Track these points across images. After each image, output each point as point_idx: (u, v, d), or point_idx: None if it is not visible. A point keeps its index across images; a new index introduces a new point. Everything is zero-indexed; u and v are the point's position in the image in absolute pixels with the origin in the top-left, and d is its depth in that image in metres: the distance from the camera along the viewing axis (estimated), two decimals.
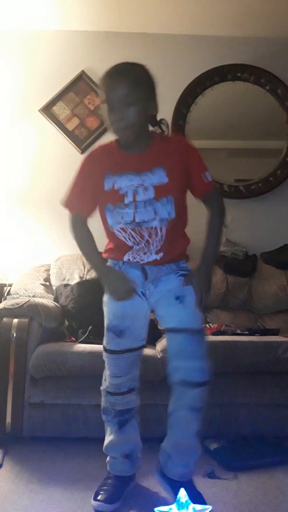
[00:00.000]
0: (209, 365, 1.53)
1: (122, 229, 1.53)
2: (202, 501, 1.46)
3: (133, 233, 1.52)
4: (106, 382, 1.64)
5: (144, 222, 1.50)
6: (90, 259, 1.68)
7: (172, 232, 1.53)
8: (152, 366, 2.06)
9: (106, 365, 1.63)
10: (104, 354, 1.63)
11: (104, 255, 1.63)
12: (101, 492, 1.57)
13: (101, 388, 1.66)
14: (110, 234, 1.59)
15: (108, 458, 1.68)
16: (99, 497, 1.55)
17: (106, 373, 1.63)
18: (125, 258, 1.56)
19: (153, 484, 1.67)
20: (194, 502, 1.39)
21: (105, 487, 1.60)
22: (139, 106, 1.46)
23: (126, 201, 1.50)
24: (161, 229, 1.51)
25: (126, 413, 1.62)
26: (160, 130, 1.56)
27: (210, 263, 1.63)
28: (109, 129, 1.52)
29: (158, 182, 1.49)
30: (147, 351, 2.11)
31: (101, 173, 1.53)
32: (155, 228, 1.51)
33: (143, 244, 1.53)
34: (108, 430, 1.67)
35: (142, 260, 1.54)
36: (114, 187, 1.52)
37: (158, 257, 1.53)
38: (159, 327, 2.11)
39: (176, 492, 1.42)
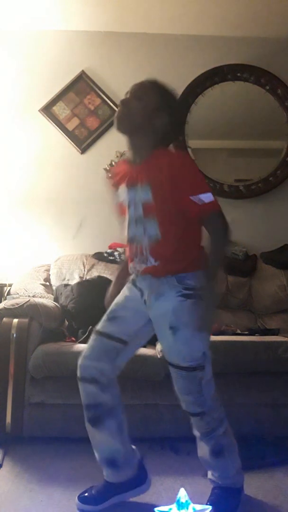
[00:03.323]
0: (204, 398, 1.50)
1: (126, 240, 1.59)
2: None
3: (131, 245, 1.58)
4: (78, 363, 1.60)
5: (136, 238, 1.54)
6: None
7: (166, 247, 1.50)
8: (152, 366, 2.06)
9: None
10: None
11: None
12: (85, 494, 1.58)
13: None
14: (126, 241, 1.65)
15: None
16: (81, 495, 1.58)
17: (81, 354, 1.61)
18: (131, 266, 1.60)
19: (153, 483, 1.66)
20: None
21: (91, 489, 1.60)
22: (141, 104, 1.49)
23: (127, 214, 1.56)
24: (146, 248, 1.52)
25: (93, 408, 1.56)
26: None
27: (210, 286, 1.52)
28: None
29: (145, 201, 1.50)
30: (147, 351, 2.11)
31: (115, 187, 1.62)
32: (145, 243, 1.52)
33: (138, 257, 1.55)
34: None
35: (141, 268, 1.55)
36: (119, 199, 1.60)
37: (157, 263, 1.52)
38: None
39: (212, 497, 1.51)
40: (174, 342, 1.49)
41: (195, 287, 1.48)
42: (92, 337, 1.61)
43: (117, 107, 1.53)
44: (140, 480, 1.62)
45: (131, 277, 1.64)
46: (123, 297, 1.62)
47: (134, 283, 1.61)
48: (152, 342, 2.20)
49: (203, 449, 1.58)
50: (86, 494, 1.58)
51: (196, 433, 1.58)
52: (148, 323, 1.58)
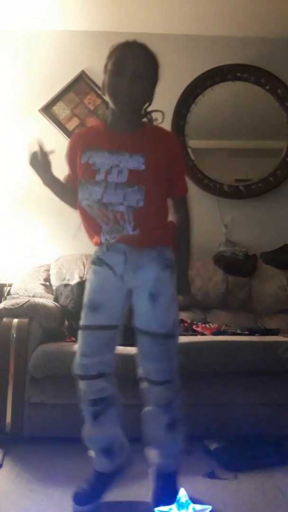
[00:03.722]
0: (172, 365, 1.53)
1: (89, 205, 1.50)
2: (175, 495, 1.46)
3: (99, 213, 1.49)
4: (74, 363, 1.57)
5: (110, 205, 1.46)
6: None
7: (143, 217, 1.48)
8: None
9: (77, 346, 1.57)
10: (78, 333, 1.58)
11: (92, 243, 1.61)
12: (79, 492, 1.56)
13: (73, 368, 1.60)
14: (81, 213, 1.57)
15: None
16: (75, 497, 1.55)
17: (76, 354, 1.57)
18: (102, 238, 1.52)
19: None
20: (169, 497, 1.43)
21: (84, 486, 1.58)
22: (147, 83, 1.50)
23: (97, 179, 1.48)
24: (127, 214, 1.46)
25: (100, 403, 1.55)
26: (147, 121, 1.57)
27: (184, 267, 1.63)
28: (109, 95, 1.49)
29: (133, 167, 1.46)
30: None
31: (81, 148, 1.54)
32: (122, 212, 1.46)
33: (110, 224, 1.49)
34: (85, 420, 1.61)
35: (117, 236, 1.49)
36: (88, 161, 1.51)
37: (135, 232, 1.48)
38: None
39: (158, 484, 1.50)
40: (153, 309, 1.50)
41: (172, 259, 1.55)
42: (83, 333, 1.56)
43: (112, 77, 1.47)
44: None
45: (94, 256, 1.59)
46: (95, 283, 1.56)
47: (99, 261, 1.56)
48: None
49: (157, 423, 1.55)
50: (80, 492, 1.57)
51: (150, 408, 1.57)
52: (128, 296, 1.56)
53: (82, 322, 1.57)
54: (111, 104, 1.51)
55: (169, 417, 1.55)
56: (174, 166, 1.54)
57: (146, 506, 1.55)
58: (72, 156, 1.59)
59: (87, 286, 1.59)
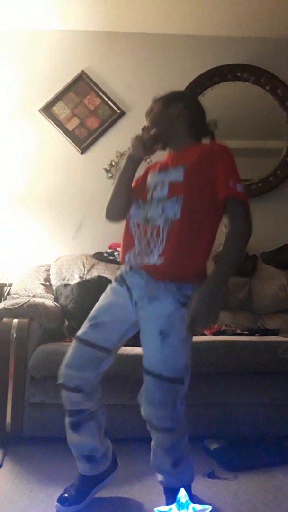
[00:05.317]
0: (178, 413, 1.45)
1: (136, 223, 1.54)
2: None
3: (142, 229, 1.50)
4: (59, 370, 1.54)
5: (152, 219, 1.48)
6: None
7: (177, 237, 1.42)
8: None
9: (66, 354, 1.55)
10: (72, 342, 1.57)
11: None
12: (64, 495, 1.56)
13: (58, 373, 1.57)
14: (125, 228, 1.58)
15: None
16: (61, 500, 1.54)
17: (63, 360, 1.55)
18: (126, 257, 1.53)
19: (154, 483, 1.66)
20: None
21: (69, 489, 1.58)
22: (160, 129, 1.56)
23: (147, 197, 1.53)
24: (163, 229, 1.44)
25: (76, 414, 1.53)
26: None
27: (216, 285, 1.40)
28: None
29: (174, 180, 1.48)
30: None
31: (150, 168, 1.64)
32: (158, 227, 1.45)
33: (144, 244, 1.48)
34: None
35: (140, 262, 1.48)
36: (146, 182, 1.58)
37: (158, 262, 1.43)
38: None
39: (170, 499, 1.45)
40: (161, 349, 1.42)
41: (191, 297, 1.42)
42: (75, 343, 1.53)
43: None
44: (113, 467, 1.65)
45: (118, 273, 1.57)
46: (107, 301, 1.55)
47: (121, 280, 1.54)
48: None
49: (162, 462, 1.52)
50: (66, 495, 1.56)
51: (153, 445, 1.53)
52: (131, 328, 1.53)
53: (79, 332, 1.55)
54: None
55: (174, 457, 1.50)
56: (219, 169, 1.45)
57: (147, 507, 1.55)
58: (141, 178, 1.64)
59: (101, 298, 1.58)
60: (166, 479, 1.55)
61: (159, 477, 1.57)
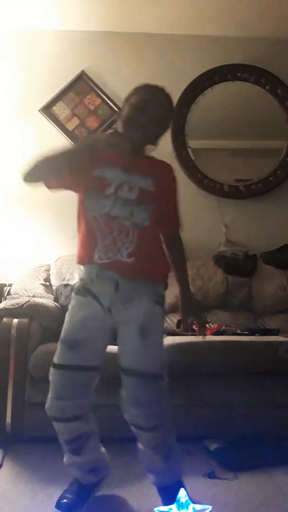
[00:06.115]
0: (163, 409, 1.46)
1: (95, 217, 1.47)
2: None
3: (105, 225, 1.45)
4: (47, 404, 1.47)
5: (117, 218, 1.45)
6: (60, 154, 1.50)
7: (146, 240, 1.47)
8: None
9: (50, 386, 1.47)
10: (50, 371, 1.47)
11: (77, 261, 1.53)
12: (64, 500, 1.51)
13: (46, 407, 1.49)
14: (82, 224, 1.51)
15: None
16: (61, 506, 1.50)
17: (49, 395, 1.47)
18: (96, 255, 1.45)
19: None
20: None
21: (67, 495, 1.53)
22: (160, 130, 1.57)
23: (107, 192, 1.47)
24: (133, 231, 1.45)
25: (77, 440, 1.49)
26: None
27: (189, 287, 1.64)
28: (125, 125, 1.53)
29: (144, 187, 1.49)
30: None
31: (98, 159, 1.51)
32: (127, 228, 1.45)
33: (108, 241, 1.44)
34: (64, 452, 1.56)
35: (111, 258, 1.43)
36: (100, 175, 1.50)
37: (129, 260, 1.43)
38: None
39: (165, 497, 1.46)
40: (143, 347, 1.43)
41: (163, 296, 1.52)
42: (58, 372, 1.45)
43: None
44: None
45: (78, 284, 1.52)
46: (77, 318, 1.48)
47: (84, 291, 1.48)
48: None
49: (151, 459, 1.52)
50: (65, 501, 1.51)
51: (142, 448, 1.51)
52: (109, 336, 1.50)
53: (56, 360, 1.46)
54: (122, 132, 1.54)
55: (165, 451, 1.50)
56: (172, 200, 1.60)
57: (147, 507, 1.55)
58: (89, 165, 1.53)
59: (67, 318, 1.50)
60: (158, 478, 1.54)
61: (151, 478, 1.56)
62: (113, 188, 1.47)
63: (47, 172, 1.50)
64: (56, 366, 1.46)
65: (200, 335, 1.65)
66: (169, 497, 1.46)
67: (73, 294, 1.53)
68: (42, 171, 1.48)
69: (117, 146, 1.49)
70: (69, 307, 1.52)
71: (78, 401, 1.46)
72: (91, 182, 1.50)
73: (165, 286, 1.55)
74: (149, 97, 1.52)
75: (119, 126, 1.56)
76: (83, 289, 1.49)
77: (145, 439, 1.50)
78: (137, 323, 1.44)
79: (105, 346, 1.51)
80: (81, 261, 1.52)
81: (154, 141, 1.58)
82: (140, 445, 1.53)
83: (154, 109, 1.51)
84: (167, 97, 1.57)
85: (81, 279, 1.54)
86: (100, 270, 1.46)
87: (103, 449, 1.62)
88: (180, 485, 1.50)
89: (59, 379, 1.45)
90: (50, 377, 1.48)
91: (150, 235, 1.49)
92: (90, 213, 1.48)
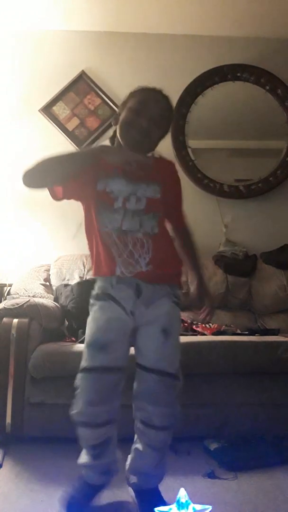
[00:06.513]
0: (174, 410, 1.47)
1: (107, 233, 1.48)
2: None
3: (117, 240, 1.46)
4: (77, 410, 1.46)
5: (130, 232, 1.46)
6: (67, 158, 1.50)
7: (159, 247, 1.49)
8: None
9: (79, 392, 1.46)
10: (79, 377, 1.46)
11: (95, 274, 1.54)
12: (69, 499, 1.50)
13: (71, 412, 1.48)
14: (95, 239, 1.52)
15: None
16: (66, 505, 1.49)
17: (79, 401, 1.45)
18: (117, 270, 1.46)
19: None
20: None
21: (73, 493, 1.53)
22: (159, 133, 1.55)
23: (115, 206, 1.47)
24: (147, 241, 1.47)
25: (103, 445, 1.50)
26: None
27: (202, 271, 1.70)
28: (122, 129, 1.52)
29: (151, 196, 1.49)
30: None
31: (101, 170, 1.49)
32: (141, 239, 1.47)
33: (125, 255, 1.46)
34: (84, 452, 1.56)
35: (133, 271, 1.46)
36: (106, 189, 1.48)
37: (148, 268, 1.46)
38: None
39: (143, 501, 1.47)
40: (164, 346, 1.46)
41: (180, 297, 1.55)
42: (90, 376, 1.45)
43: (132, 114, 1.50)
44: None
45: (98, 291, 1.51)
46: (102, 321, 1.47)
47: (105, 296, 1.48)
48: None
49: (146, 463, 1.51)
50: (73, 501, 1.50)
51: (139, 447, 1.51)
52: (131, 337, 1.51)
53: (87, 364, 1.46)
54: (119, 137, 1.53)
55: (163, 454, 1.52)
56: (178, 197, 1.64)
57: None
58: (94, 179, 1.51)
59: (91, 323, 1.50)
60: (145, 480, 1.53)
61: (133, 479, 1.55)
62: (120, 202, 1.47)
63: (51, 176, 1.47)
64: (87, 370, 1.46)
65: (205, 319, 1.64)
66: (146, 500, 1.47)
67: (92, 300, 1.53)
68: (45, 176, 1.46)
69: (119, 155, 1.46)
70: (91, 313, 1.52)
71: (111, 404, 1.46)
72: (96, 196, 1.50)
73: (181, 287, 1.58)
74: (147, 99, 1.51)
75: (116, 131, 1.55)
76: (103, 295, 1.50)
77: (152, 438, 1.50)
78: (160, 324, 1.47)
79: (129, 348, 1.52)
80: (101, 274, 1.52)
81: (154, 145, 1.57)
82: (139, 446, 1.53)
83: (153, 111, 1.49)
84: (166, 98, 1.55)
85: (99, 287, 1.52)
86: (120, 277, 1.48)
87: (117, 450, 1.61)
88: (158, 491, 1.52)
89: (92, 384, 1.45)
90: (78, 383, 1.47)
91: (162, 240, 1.52)
92: (103, 229, 1.49)
